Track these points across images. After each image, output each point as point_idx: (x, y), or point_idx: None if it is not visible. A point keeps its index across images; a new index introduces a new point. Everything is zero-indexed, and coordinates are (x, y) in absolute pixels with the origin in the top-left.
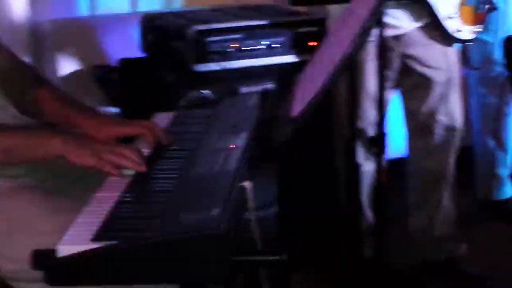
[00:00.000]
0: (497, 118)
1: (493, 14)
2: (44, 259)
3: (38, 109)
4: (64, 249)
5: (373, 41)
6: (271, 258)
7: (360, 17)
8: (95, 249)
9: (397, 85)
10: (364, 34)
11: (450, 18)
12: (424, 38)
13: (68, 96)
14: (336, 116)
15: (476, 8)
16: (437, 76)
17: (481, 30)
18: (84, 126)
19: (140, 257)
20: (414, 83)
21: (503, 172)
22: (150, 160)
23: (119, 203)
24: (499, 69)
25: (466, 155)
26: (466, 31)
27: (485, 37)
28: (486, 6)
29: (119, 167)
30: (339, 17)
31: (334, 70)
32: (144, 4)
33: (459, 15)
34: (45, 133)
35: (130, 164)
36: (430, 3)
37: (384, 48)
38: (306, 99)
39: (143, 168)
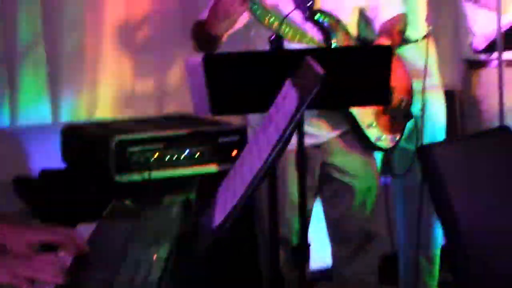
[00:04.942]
0: (420, 227)
1: (413, 123)
2: None
3: None
4: None
5: (292, 150)
6: None
7: (278, 125)
8: None
9: (319, 193)
10: (283, 142)
11: (369, 126)
12: (344, 146)
13: None
14: (259, 225)
15: (394, 117)
16: (357, 184)
17: (400, 138)
18: (2, 234)
19: None
20: (335, 191)
21: (430, 281)
22: (71, 271)
23: None
24: (419, 177)
25: (391, 262)
26: (386, 140)
27: (406, 145)
28: (404, 115)
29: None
30: (259, 125)
31: (254, 179)
32: (66, 114)
33: (378, 124)
34: None
35: (48, 276)
36: (351, 112)
37: (304, 156)
38: (227, 209)
39: (59, 280)
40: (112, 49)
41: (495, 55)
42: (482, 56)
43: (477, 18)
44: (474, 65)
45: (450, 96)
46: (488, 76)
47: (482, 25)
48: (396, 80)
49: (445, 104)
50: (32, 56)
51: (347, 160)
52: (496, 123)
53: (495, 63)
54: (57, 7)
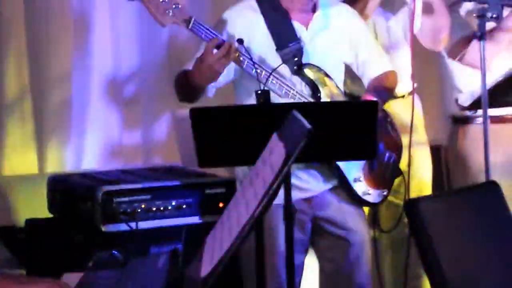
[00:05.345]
0: (407, 279)
1: (400, 178)
2: None
3: None
4: None
5: (280, 204)
6: None
7: (265, 179)
8: None
9: (312, 247)
10: (270, 196)
11: (357, 181)
12: (335, 200)
13: None
14: (247, 277)
15: (382, 172)
16: (350, 237)
17: (387, 194)
18: None
19: None
20: (328, 245)
21: None
22: None
23: None
24: (407, 231)
25: None
26: (373, 194)
27: (394, 199)
28: (392, 171)
29: None
30: (246, 178)
31: (241, 231)
32: (53, 165)
33: (365, 178)
34: None
35: None
36: (338, 166)
37: (291, 209)
38: (214, 261)
39: None
40: (99, 101)
41: (480, 111)
42: (468, 112)
43: (463, 75)
44: (460, 121)
45: (436, 151)
46: (473, 132)
47: (467, 82)
48: (385, 136)
49: (431, 159)
50: (19, 108)
51: (339, 214)
52: (482, 179)
53: (480, 119)
54: (44, 60)
